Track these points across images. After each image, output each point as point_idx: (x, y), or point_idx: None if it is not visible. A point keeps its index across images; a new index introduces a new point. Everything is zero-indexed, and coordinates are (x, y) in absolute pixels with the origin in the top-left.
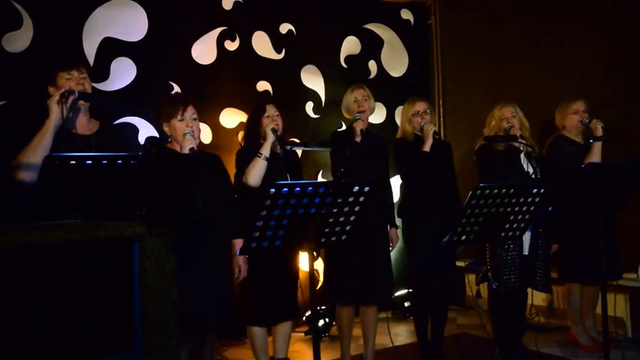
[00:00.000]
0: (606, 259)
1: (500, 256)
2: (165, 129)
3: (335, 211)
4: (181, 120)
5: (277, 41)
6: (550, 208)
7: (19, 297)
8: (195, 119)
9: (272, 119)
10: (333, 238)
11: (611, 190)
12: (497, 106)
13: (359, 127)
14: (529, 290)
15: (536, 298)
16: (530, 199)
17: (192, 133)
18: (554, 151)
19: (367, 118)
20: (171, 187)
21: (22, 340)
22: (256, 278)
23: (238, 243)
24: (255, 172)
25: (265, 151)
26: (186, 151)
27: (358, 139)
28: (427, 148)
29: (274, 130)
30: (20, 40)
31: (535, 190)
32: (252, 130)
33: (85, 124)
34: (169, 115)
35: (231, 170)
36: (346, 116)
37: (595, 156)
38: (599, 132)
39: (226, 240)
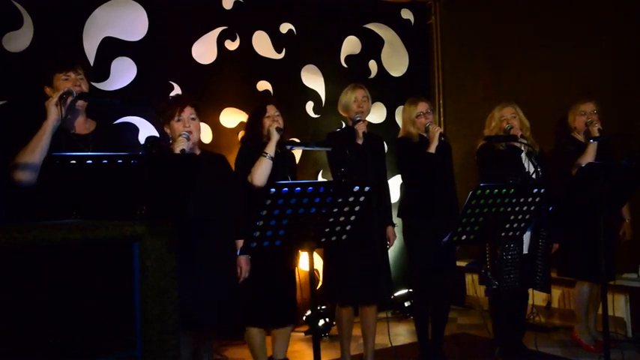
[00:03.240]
0: (606, 258)
1: (500, 255)
2: (167, 130)
3: (335, 210)
4: (179, 121)
5: (277, 41)
6: (550, 208)
7: (18, 297)
8: (193, 119)
9: (273, 119)
10: (334, 238)
11: (610, 190)
12: (497, 107)
13: (361, 129)
14: (530, 290)
15: (537, 298)
16: (530, 199)
17: (187, 135)
18: (557, 151)
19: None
20: (172, 187)
21: (22, 340)
22: (253, 280)
23: (240, 243)
24: (261, 172)
25: (270, 150)
26: (177, 151)
27: (360, 141)
28: (433, 149)
29: (279, 130)
30: (20, 39)
31: (535, 190)
32: (254, 130)
33: (82, 124)
34: (169, 117)
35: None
36: (343, 114)
37: (589, 156)
38: (595, 133)
39: (228, 240)
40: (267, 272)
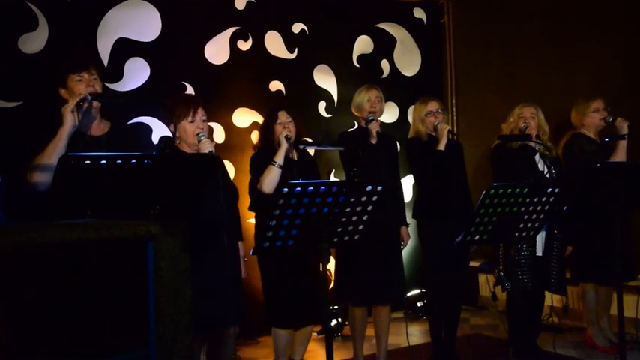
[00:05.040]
0: (621, 259)
1: (513, 256)
2: (172, 129)
3: (348, 210)
4: (192, 122)
5: (290, 41)
6: (565, 208)
7: (33, 296)
8: (204, 120)
9: (284, 126)
10: (346, 238)
11: (626, 190)
12: (520, 105)
13: (374, 128)
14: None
15: (553, 298)
16: (544, 199)
17: (205, 135)
18: (575, 149)
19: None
20: (185, 187)
21: (38, 338)
22: (285, 281)
23: (240, 244)
24: (270, 180)
25: (279, 159)
26: (205, 152)
27: (374, 140)
28: (442, 147)
29: (287, 138)
30: (36, 41)
31: (550, 190)
32: (265, 136)
33: (96, 125)
34: (179, 117)
35: (245, 173)
36: (355, 114)
37: (620, 154)
38: (625, 130)
39: (235, 240)
40: (298, 274)
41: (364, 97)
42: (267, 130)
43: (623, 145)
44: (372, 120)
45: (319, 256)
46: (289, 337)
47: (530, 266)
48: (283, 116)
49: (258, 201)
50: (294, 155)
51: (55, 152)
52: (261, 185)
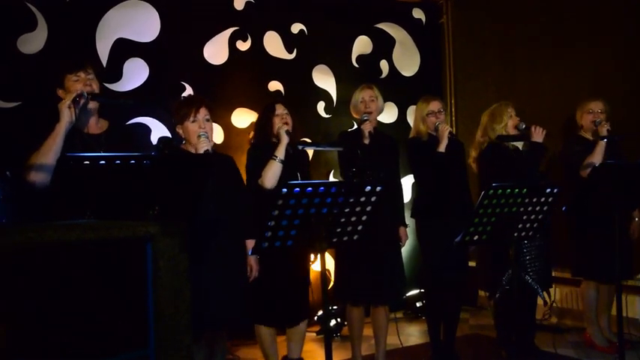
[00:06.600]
0: (620, 258)
1: (513, 256)
2: (179, 131)
3: (347, 210)
4: (194, 122)
5: (289, 41)
6: (564, 208)
7: (31, 296)
8: (208, 120)
9: (282, 118)
10: (345, 238)
11: (625, 189)
12: (503, 103)
13: (367, 128)
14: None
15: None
16: (543, 199)
17: (206, 134)
18: (564, 151)
19: (375, 119)
20: (184, 187)
21: (36, 339)
22: (265, 279)
23: (251, 243)
24: (271, 175)
25: (280, 153)
26: (201, 152)
27: (366, 141)
28: (442, 148)
29: (288, 132)
30: (35, 41)
31: (549, 190)
32: (263, 129)
33: (94, 124)
34: (182, 117)
35: (241, 169)
36: (354, 115)
37: (597, 155)
38: (604, 133)
39: (239, 240)
40: (279, 271)
41: (358, 98)
42: (265, 122)
43: (601, 145)
44: (365, 120)
45: (308, 255)
46: (273, 334)
47: (536, 264)
48: (281, 109)
49: (257, 195)
50: (290, 150)
51: (52, 148)
52: (262, 180)
